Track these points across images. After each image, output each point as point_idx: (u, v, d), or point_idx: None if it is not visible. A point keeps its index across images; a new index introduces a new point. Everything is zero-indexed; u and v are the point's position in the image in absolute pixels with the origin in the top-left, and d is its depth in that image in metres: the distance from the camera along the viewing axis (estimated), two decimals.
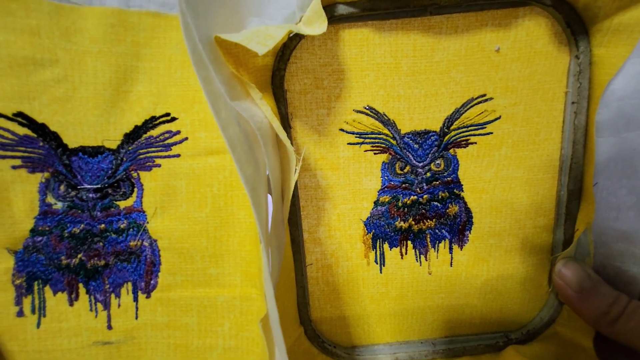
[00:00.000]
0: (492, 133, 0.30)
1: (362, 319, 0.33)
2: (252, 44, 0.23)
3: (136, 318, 0.30)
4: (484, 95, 0.30)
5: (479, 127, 0.30)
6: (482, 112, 0.30)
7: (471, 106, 0.30)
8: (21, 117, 0.27)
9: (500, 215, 0.32)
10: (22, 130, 0.27)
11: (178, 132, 0.29)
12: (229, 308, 0.30)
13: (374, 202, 0.31)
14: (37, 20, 0.26)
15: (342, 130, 0.30)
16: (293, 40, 0.28)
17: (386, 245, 0.32)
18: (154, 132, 0.29)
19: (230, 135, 0.23)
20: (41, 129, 0.28)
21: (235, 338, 0.29)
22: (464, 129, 0.30)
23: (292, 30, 0.24)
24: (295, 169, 0.27)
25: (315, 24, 0.25)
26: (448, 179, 0.31)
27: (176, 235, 0.29)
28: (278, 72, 0.29)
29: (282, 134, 0.26)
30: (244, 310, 0.29)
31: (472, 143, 0.31)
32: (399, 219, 0.32)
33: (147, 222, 0.29)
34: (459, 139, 0.31)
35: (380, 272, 0.32)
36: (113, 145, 0.29)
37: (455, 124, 0.30)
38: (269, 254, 0.25)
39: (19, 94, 0.27)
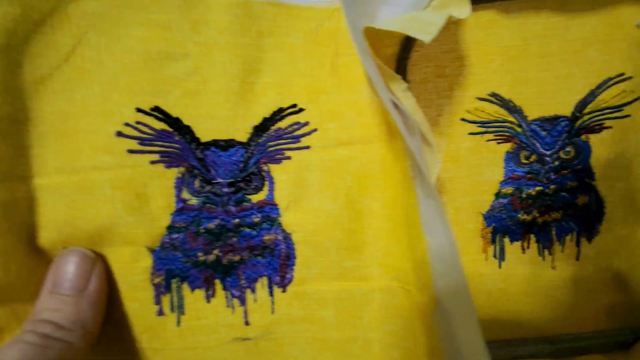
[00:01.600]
0: (629, 116, 0.29)
1: (478, 316, 0.32)
2: (412, 31, 0.23)
3: (272, 313, 0.29)
4: (622, 74, 0.28)
5: (616, 109, 0.29)
6: (619, 93, 0.29)
7: (608, 87, 0.29)
8: (158, 112, 0.27)
9: (635, 204, 0.31)
10: (159, 125, 0.27)
11: (307, 124, 0.28)
12: (368, 301, 0.29)
13: (495, 194, 0.31)
14: (168, 14, 0.26)
15: (463, 120, 0.29)
16: None
17: (507, 240, 0.31)
18: (282, 124, 0.28)
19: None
20: (176, 123, 0.27)
21: (377, 331, 0.29)
22: (598, 113, 0.29)
23: (452, 15, 0.24)
24: (435, 164, 0.26)
25: (454, 6, 0.25)
26: (578, 167, 0.30)
27: (310, 229, 0.29)
28: (402, 61, 0.28)
29: (426, 127, 0.25)
30: (384, 304, 0.29)
31: (606, 127, 0.30)
32: (522, 211, 0.31)
33: (280, 216, 0.29)
34: (592, 124, 0.30)
35: (499, 267, 0.31)
36: (243, 138, 0.28)
37: (588, 107, 0.29)
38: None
39: (154, 89, 0.27)
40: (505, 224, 0.31)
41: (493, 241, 0.31)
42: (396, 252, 0.29)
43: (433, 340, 0.25)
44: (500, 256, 0.31)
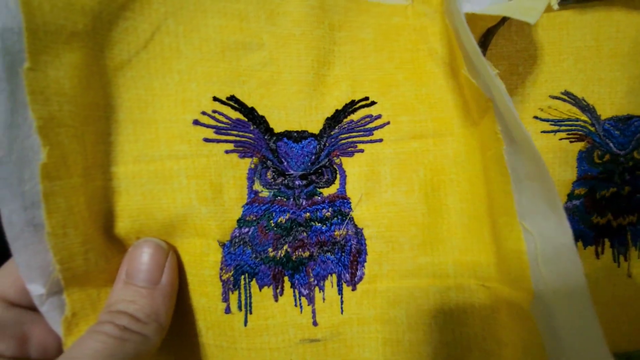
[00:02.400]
0: None
1: None
2: (517, 15, 0.23)
3: (341, 312, 0.28)
4: None
5: None
6: None
7: None
8: (234, 101, 0.27)
9: None
10: (235, 114, 0.27)
11: (379, 116, 0.28)
12: (442, 300, 0.28)
13: (568, 195, 0.30)
14: (245, 4, 0.27)
15: (536, 117, 0.29)
16: (497, 26, 0.28)
17: (580, 244, 0.30)
18: (355, 117, 0.28)
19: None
20: (251, 113, 0.27)
21: (453, 333, 0.28)
22: None
23: (551, 2, 0.24)
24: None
25: None
26: None
27: (383, 223, 0.28)
28: None
29: (516, 114, 0.24)
30: (460, 303, 0.28)
31: None
32: (596, 213, 0.30)
33: (352, 210, 0.29)
34: None
35: (628, 275, 0.30)
36: (315, 129, 0.28)
37: None
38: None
39: (230, 78, 0.27)
40: (578, 227, 0.30)
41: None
42: (475, 247, 0.28)
43: (532, 335, 0.23)
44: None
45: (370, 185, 0.29)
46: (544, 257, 0.23)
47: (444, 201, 0.29)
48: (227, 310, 0.27)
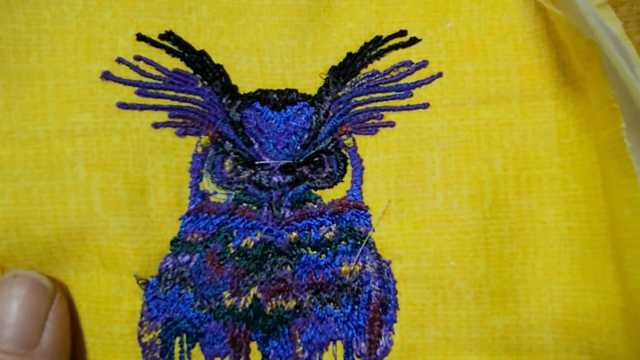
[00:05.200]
0: None
1: None
2: None
3: None
4: None
5: None
6: None
7: None
8: (171, 41, 0.21)
9: None
10: (173, 62, 0.21)
11: (424, 64, 0.21)
12: None
13: None
14: None
15: None
16: None
17: None
18: (381, 65, 0.22)
19: None
20: (199, 61, 0.21)
21: None
22: None
23: None
24: None
25: None
26: None
27: (426, 254, 0.21)
28: None
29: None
30: None
31: None
32: None
33: (373, 229, 0.21)
34: None
35: None
36: (311, 89, 0.22)
37: None
38: None
39: (168, 4, 0.21)
40: None
41: None
42: (591, 300, 0.21)
43: None
44: None
45: (407, 185, 0.22)
46: None
47: (537, 216, 0.21)
48: None
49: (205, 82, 0.21)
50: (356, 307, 0.21)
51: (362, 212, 0.22)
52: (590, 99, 0.21)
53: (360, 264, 0.21)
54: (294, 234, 0.21)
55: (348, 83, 0.22)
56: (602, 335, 0.21)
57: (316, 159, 0.22)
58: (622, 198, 0.19)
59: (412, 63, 0.22)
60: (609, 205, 0.21)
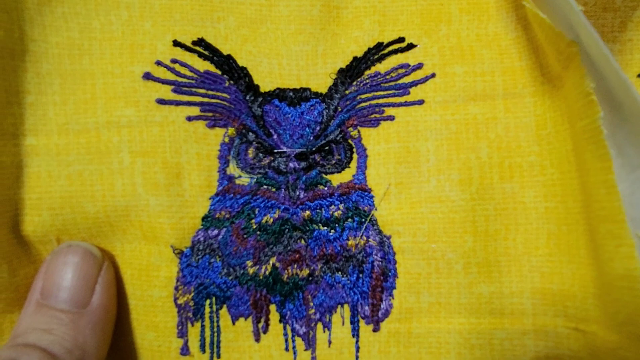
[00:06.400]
0: None
1: None
2: None
3: None
4: None
5: None
6: None
7: None
8: (202, 46, 0.22)
9: None
10: (204, 65, 0.22)
11: (420, 66, 0.23)
12: (518, 350, 0.21)
13: None
14: None
15: None
16: None
17: None
18: (382, 67, 0.23)
19: None
20: (227, 63, 0.22)
21: None
22: None
23: None
24: None
25: None
26: None
27: (423, 230, 0.22)
28: None
29: (616, 64, 0.19)
30: (545, 355, 0.21)
31: None
32: None
33: (376, 208, 0.22)
34: None
35: None
36: (322, 87, 0.23)
37: None
38: None
39: (200, 15, 0.22)
40: None
41: None
42: (565, 270, 0.22)
43: None
44: None
45: (404, 170, 0.23)
46: None
47: (518, 197, 0.22)
48: (185, 351, 0.22)
49: (232, 82, 0.22)
50: (361, 275, 0.22)
51: (366, 193, 0.23)
52: (567, 94, 0.22)
53: (365, 238, 0.23)
54: (307, 212, 0.23)
55: (354, 83, 0.23)
56: (576, 300, 0.22)
57: (327, 148, 0.23)
58: (598, 180, 0.20)
59: (409, 65, 0.23)
60: (584, 187, 0.21)
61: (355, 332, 0.22)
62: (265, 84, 0.23)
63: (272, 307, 0.22)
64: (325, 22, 0.23)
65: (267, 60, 0.23)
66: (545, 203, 0.22)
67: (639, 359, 0.19)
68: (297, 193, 0.22)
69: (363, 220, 0.23)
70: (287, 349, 0.22)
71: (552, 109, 0.22)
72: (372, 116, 0.23)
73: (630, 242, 0.18)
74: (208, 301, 0.22)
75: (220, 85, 0.22)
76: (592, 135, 0.19)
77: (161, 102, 0.22)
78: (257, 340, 0.22)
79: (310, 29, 0.23)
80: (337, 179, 0.23)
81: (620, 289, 0.19)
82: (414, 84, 0.23)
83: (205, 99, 0.22)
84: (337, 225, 0.22)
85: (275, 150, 0.23)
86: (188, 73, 0.22)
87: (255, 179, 0.23)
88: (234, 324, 0.22)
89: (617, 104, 0.19)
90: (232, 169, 0.23)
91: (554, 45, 0.21)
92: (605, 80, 0.19)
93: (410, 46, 0.23)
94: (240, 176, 0.22)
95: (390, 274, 0.22)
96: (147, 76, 0.22)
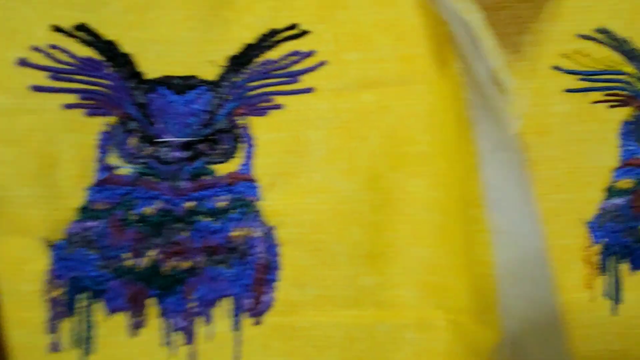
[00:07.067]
0: None
1: None
2: None
3: (238, 358, 0.23)
4: None
5: None
6: None
7: None
8: (83, 31, 0.22)
9: None
10: (84, 51, 0.22)
11: (311, 53, 0.23)
12: (397, 343, 0.23)
13: (608, 190, 0.26)
14: None
15: (556, 68, 0.25)
16: None
17: (625, 267, 0.26)
18: (274, 54, 0.24)
19: None
20: (109, 49, 0.22)
21: None
22: None
23: None
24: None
25: None
26: None
27: (308, 221, 0.23)
28: None
29: (499, 59, 0.21)
30: (422, 348, 0.23)
31: None
32: None
33: (260, 199, 0.23)
34: None
35: (614, 313, 0.26)
36: (210, 75, 0.23)
37: None
38: None
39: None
40: (621, 240, 0.26)
41: (603, 268, 0.26)
42: (445, 260, 0.23)
43: None
44: (615, 294, 0.26)
45: (291, 160, 0.24)
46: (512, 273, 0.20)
47: (405, 187, 0.24)
48: (55, 348, 0.22)
49: (113, 68, 0.22)
50: (244, 267, 0.23)
51: (251, 184, 0.24)
52: (451, 76, 0.23)
53: (248, 229, 0.23)
54: (191, 203, 0.23)
55: (244, 70, 0.24)
56: (451, 291, 0.23)
57: (214, 137, 0.23)
58: (467, 164, 0.21)
59: (301, 52, 0.24)
60: (461, 173, 0.23)
61: (237, 326, 0.23)
62: (152, 71, 0.23)
63: (151, 301, 0.23)
64: (218, 8, 0.23)
65: (154, 47, 0.23)
66: (430, 192, 0.23)
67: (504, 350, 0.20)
68: (181, 184, 0.23)
69: (248, 211, 0.23)
70: (164, 343, 0.22)
71: (441, 96, 0.23)
72: (261, 105, 0.24)
73: (487, 227, 0.19)
74: (82, 295, 0.22)
75: (100, 72, 0.23)
76: (462, 117, 0.21)
77: (37, 88, 0.22)
78: (134, 334, 0.22)
79: (200, 14, 0.23)
80: (224, 169, 0.23)
81: (478, 276, 0.20)
82: (304, 71, 0.24)
83: (85, 86, 0.23)
84: (221, 216, 0.23)
85: (159, 140, 0.23)
86: (67, 59, 0.22)
87: (136, 169, 0.23)
88: (109, 317, 0.22)
89: (481, 83, 0.20)
90: (113, 159, 0.23)
91: (443, 33, 0.23)
92: (471, 61, 0.20)
93: (304, 32, 0.24)
94: (121, 166, 0.23)
95: (273, 266, 0.23)
96: (22, 63, 0.22)
